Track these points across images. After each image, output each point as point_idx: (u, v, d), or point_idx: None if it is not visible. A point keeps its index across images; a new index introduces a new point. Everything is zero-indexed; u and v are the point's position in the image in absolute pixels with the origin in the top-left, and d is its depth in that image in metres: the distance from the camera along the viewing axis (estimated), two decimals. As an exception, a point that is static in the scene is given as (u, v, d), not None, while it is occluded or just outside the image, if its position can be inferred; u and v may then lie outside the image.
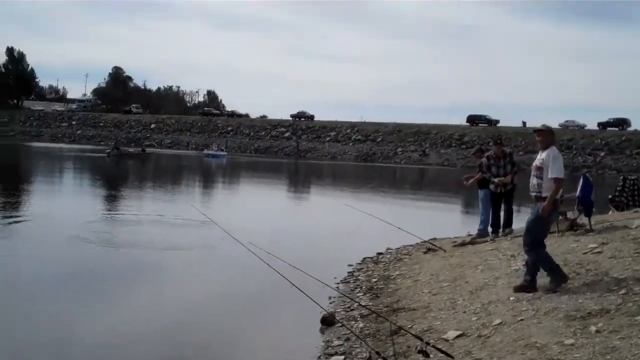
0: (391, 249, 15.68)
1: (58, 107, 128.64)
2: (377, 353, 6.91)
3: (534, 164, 8.77)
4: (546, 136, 8.78)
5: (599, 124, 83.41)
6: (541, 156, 8.65)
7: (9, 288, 11.46)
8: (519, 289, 8.35)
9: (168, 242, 15.87)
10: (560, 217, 13.25)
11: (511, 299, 8.09)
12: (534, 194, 8.62)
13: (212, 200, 30.72)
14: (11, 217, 19.15)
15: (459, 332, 7.43)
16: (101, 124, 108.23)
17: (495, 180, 14.02)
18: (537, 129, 8.91)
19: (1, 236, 16.19)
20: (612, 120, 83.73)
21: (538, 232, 8.50)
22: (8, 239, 15.89)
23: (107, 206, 24.92)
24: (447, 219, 24.51)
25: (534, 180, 8.64)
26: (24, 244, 15.56)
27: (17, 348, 8.33)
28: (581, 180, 13.70)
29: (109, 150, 60.91)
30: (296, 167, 65.54)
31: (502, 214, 14.60)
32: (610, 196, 18.02)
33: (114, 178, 40.89)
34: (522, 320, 7.13)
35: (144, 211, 22.64)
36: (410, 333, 7.48)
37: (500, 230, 14.36)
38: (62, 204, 25.20)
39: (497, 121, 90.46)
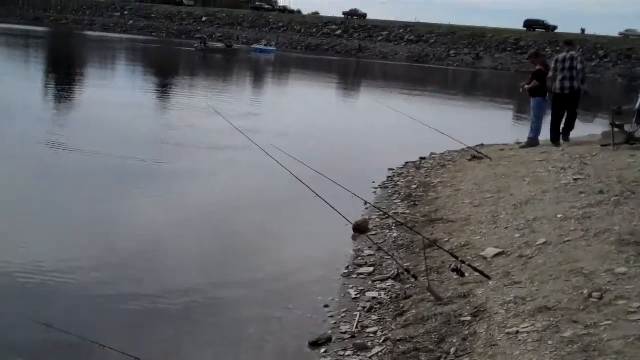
0: (435, 154, 15.05)
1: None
2: (407, 270, 6.35)
3: None
4: None
5: (662, 33, 79.30)
6: None
7: (50, 179, 11.32)
8: None
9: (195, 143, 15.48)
10: (617, 130, 12.37)
11: (558, 216, 7.37)
12: None
13: (260, 97, 30.25)
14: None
15: (498, 250, 6.82)
16: (153, 15, 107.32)
17: None
18: None
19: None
20: (676, 29, 79.46)
21: None
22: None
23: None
24: (497, 125, 23.61)
25: None
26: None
27: (58, 244, 8.15)
28: (642, 91, 12.70)
29: (197, 45, 64.46)
30: (357, 65, 64.39)
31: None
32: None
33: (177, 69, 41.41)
34: (569, 241, 6.43)
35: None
36: (444, 250, 6.90)
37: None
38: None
39: (555, 27, 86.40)
